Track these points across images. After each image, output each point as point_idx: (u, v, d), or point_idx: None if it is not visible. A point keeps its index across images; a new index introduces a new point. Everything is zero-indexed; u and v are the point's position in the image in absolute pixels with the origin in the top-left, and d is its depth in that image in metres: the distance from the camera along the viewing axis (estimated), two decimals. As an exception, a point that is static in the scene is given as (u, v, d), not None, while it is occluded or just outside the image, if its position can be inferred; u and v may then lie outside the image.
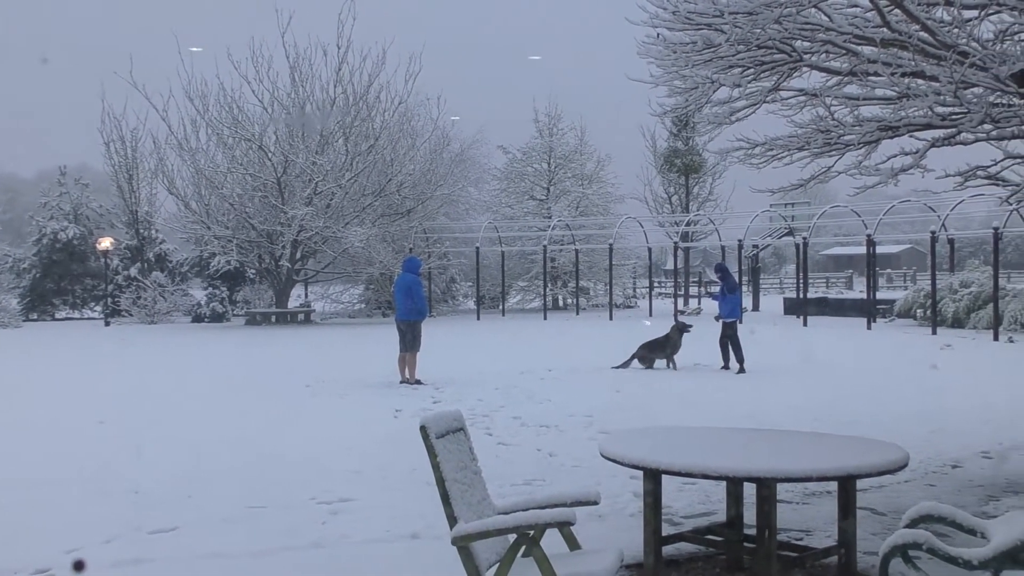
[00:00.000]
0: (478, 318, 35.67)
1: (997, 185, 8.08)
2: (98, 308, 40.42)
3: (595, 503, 5.05)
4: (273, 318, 34.62)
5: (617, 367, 17.59)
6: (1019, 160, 7.77)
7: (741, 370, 16.95)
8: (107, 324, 35.97)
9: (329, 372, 17.36)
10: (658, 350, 17.79)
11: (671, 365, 17.70)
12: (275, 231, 33.56)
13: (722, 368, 17.22)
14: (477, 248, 37.10)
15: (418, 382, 15.62)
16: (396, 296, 16.30)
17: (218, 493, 8.14)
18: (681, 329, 17.85)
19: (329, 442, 10.54)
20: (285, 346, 24.71)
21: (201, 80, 42.82)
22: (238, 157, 34.23)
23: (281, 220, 33.08)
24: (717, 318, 17.63)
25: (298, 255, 35.06)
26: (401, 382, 15.69)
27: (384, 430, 11.34)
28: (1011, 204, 8.68)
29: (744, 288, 38.45)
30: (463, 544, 4.51)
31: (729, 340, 17.33)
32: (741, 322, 17.67)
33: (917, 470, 8.67)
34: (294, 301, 38.77)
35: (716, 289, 18.42)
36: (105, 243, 37.97)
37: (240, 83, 42.13)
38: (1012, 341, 22.88)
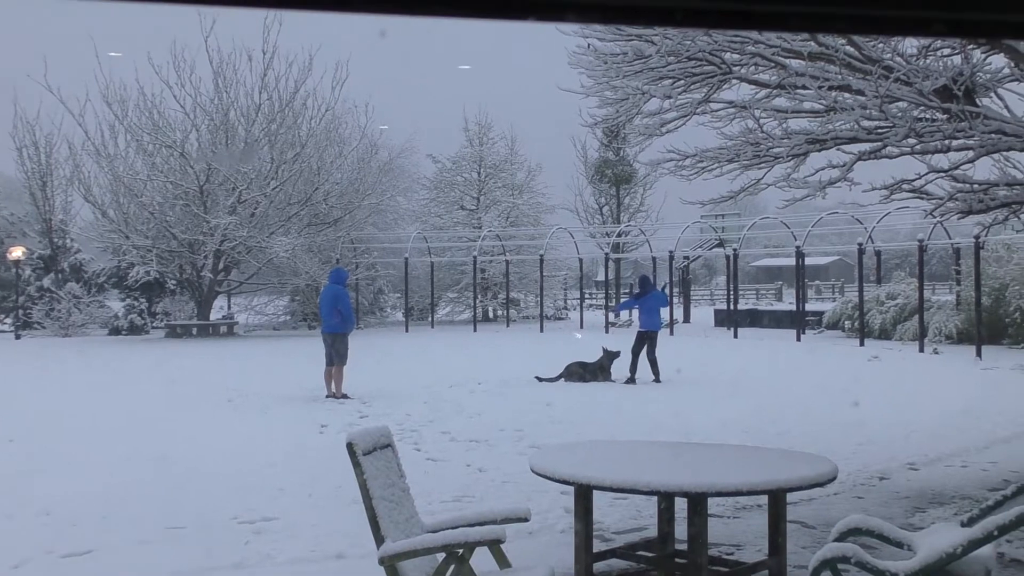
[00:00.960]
0: (407, 330, 35.51)
1: (921, 199, 8.29)
2: (8, 320, 39.36)
3: (525, 520, 5.05)
4: (194, 330, 34.08)
5: (544, 380, 17.61)
6: (942, 174, 7.98)
7: (631, 380, 17.16)
8: (18, 337, 35.03)
9: (252, 386, 17.12)
10: (590, 371, 17.86)
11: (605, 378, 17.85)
12: (197, 241, 33.07)
13: (627, 381, 17.28)
14: (406, 259, 36.97)
15: (345, 396, 15.49)
16: (322, 308, 16.18)
17: (135, 513, 7.96)
18: (612, 356, 18.02)
19: (252, 459, 10.38)
20: (207, 359, 24.32)
21: (120, 84, 42.02)
22: (159, 164, 33.70)
23: (203, 229, 32.61)
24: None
25: (221, 265, 34.58)
26: (327, 396, 15.54)
27: (309, 446, 11.21)
28: (935, 217, 8.91)
29: (675, 300, 38.94)
30: (391, 564, 4.47)
31: (645, 351, 17.41)
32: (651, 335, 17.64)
33: (846, 482, 8.83)
34: (217, 313, 38.21)
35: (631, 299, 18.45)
36: (16, 252, 36.99)
37: (161, 88, 41.43)
38: (937, 352, 23.47)
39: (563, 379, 17.64)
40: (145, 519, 7.73)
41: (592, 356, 18.08)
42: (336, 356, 15.75)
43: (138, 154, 34.19)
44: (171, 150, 33.31)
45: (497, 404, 14.78)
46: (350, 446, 4.61)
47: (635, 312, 18.00)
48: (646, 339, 17.50)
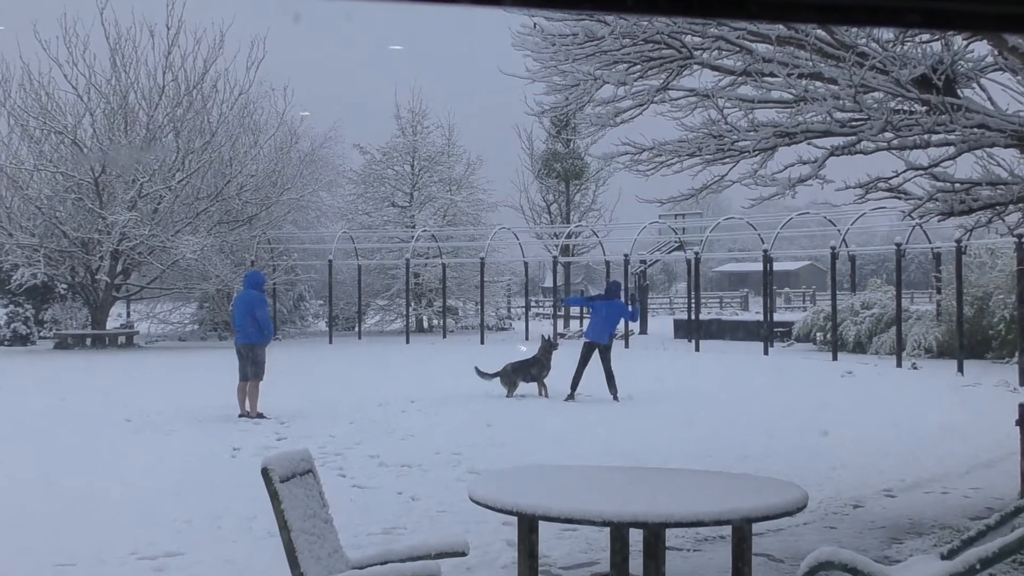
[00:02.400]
0: (330, 341, 35.33)
1: (899, 198, 8.46)
2: None
3: (463, 554, 5.06)
4: (88, 341, 33.64)
5: (483, 374, 17.86)
6: (921, 172, 8.15)
7: (570, 397, 17.29)
8: None
9: (155, 404, 16.92)
10: (525, 372, 18.04)
11: (542, 392, 17.96)
12: (91, 239, 32.65)
13: (567, 398, 17.39)
14: (330, 261, 36.79)
15: (260, 416, 15.37)
16: (235, 316, 16.06)
17: (18, 547, 7.83)
18: (550, 347, 18.10)
19: (154, 486, 10.26)
20: (102, 373, 24.00)
21: (1, 61, 41.27)
22: (47, 152, 33.25)
23: (99, 227, 32.22)
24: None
25: (119, 268, 34.16)
26: (240, 415, 15.41)
27: (219, 472, 11.12)
28: (914, 219, 9.09)
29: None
30: (311, 604, 4.45)
31: (603, 365, 17.51)
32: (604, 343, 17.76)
33: (816, 511, 8.96)
34: (114, 321, 37.66)
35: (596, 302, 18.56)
36: None
37: (50, 66, 40.73)
38: (916, 367, 23.89)
39: (500, 380, 17.89)
40: (30, 553, 7.62)
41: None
42: (251, 370, 15.64)
43: (23, 141, 33.66)
44: (61, 136, 32.85)
45: (432, 424, 14.77)
46: (265, 472, 4.59)
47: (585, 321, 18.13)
48: (592, 351, 17.59)
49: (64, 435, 13.98)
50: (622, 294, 18.65)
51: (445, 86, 53.56)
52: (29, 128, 33.31)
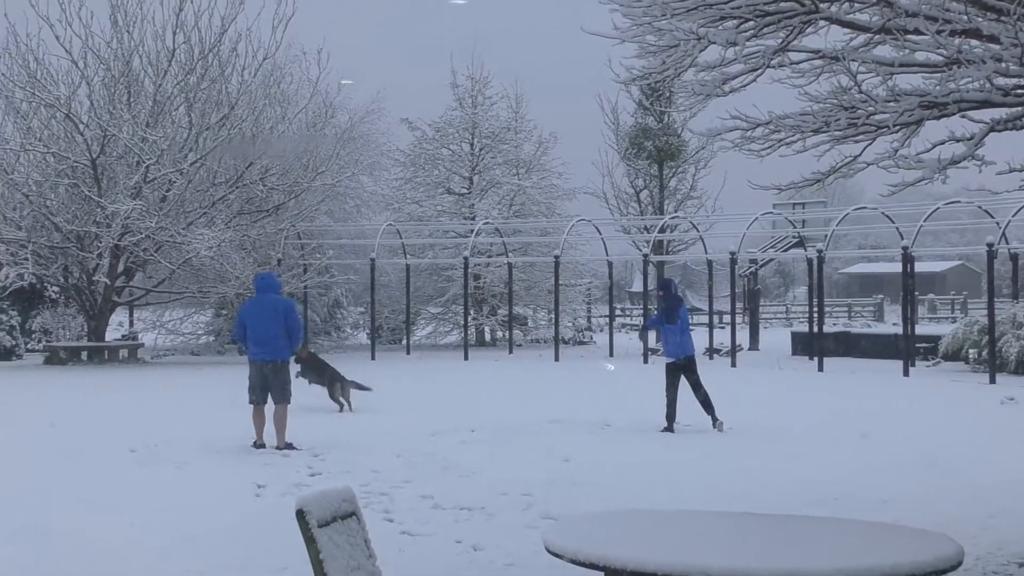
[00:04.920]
0: (373, 357, 35.51)
1: (1078, 184, 8.31)
2: None
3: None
4: (85, 355, 34.09)
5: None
6: (1106, 151, 8.00)
7: (668, 429, 17.21)
8: None
9: (163, 431, 17.12)
10: (320, 373, 20.22)
11: (343, 404, 19.95)
12: (88, 233, 32.99)
13: (664, 430, 17.31)
14: (372, 260, 36.96)
15: (289, 446, 15.50)
16: (256, 327, 16.03)
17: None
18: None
19: (164, 531, 10.38)
20: (101, 394, 24.29)
21: (-17, 21, 42.07)
22: (36, 129, 33.66)
23: (97, 218, 32.52)
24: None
25: (121, 268, 34.54)
26: (257, 446, 15.59)
27: (241, 514, 11.21)
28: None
29: (741, 318, 38.71)
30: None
31: (692, 388, 17.48)
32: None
33: (972, 569, 8.82)
34: (114, 331, 38.15)
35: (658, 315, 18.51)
36: None
37: (39, 26, 41.35)
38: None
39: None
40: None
41: (628, 395, 18.15)
42: (279, 393, 15.81)
43: (7, 115, 34.16)
44: (53, 110, 33.12)
45: (497, 458, 14.78)
46: (301, 514, 4.62)
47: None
48: (680, 372, 17.55)
49: (55, 470, 14.15)
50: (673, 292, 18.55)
51: (512, 48, 53.56)
52: (15, 100, 33.65)
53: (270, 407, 15.79)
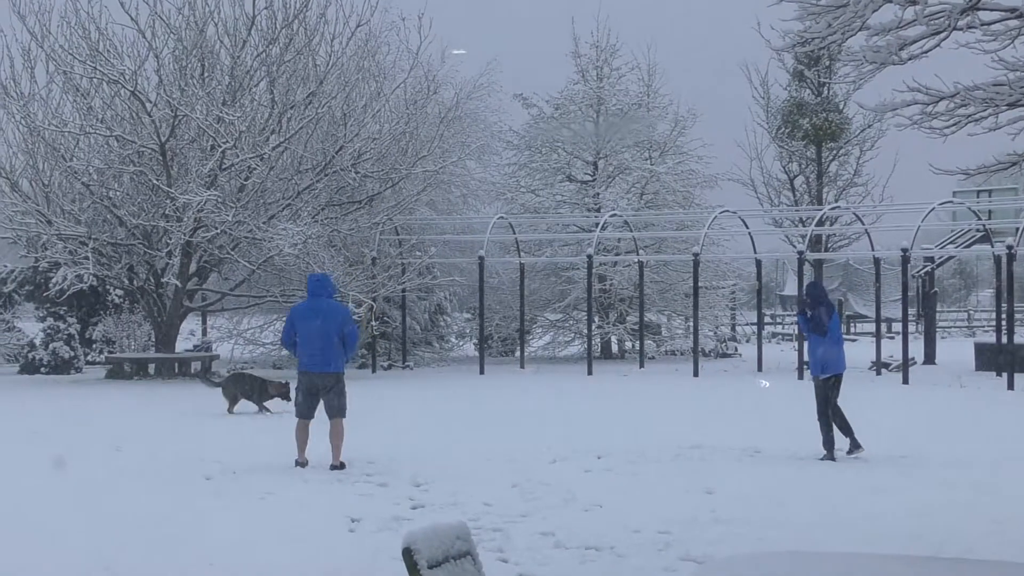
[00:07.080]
0: (482, 371, 35.60)
1: None
2: None
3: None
4: (152, 368, 34.47)
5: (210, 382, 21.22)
6: None
7: (828, 456, 17.09)
8: None
9: (243, 456, 17.34)
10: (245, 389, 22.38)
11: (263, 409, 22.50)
12: (156, 229, 33.33)
13: (824, 458, 17.18)
14: (481, 258, 36.97)
15: (342, 465, 16.10)
16: (309, 334, 16.46)
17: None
18: (280, 389, 22.62)
19: (242, 571, 10.55)
20: (171, 413, 24.52)
21: (39, -14, 42.83)
22: (97, 109, 33.98)
23: (166, 211, 32.82)
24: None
25: (193, 268, 34.88)
26: (299, 464, 16.34)
27: (334, 552, 11.33)
28: None
29: (914, 327, 38.03)
30: None
31: (829, 409, 17.37)
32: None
33: None
34: (185, 341, 38.58)
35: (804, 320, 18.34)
36: None
37: (101, -7, 42.07)
38: None
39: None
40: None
41: (781, 417, 18.03)
42: (336, 406, 16.51)
43: (66, 94, 34.40)
44: (117, 87, 33.36)
45: (628, 489, 14.78)
46: (408, 553, 4.68)
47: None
48: (829, 389, 17.45)
49: (122, 500, 14.39)
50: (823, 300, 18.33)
51: (643, 11, 53.44)
52: (74, 76, 33.86)
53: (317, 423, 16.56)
